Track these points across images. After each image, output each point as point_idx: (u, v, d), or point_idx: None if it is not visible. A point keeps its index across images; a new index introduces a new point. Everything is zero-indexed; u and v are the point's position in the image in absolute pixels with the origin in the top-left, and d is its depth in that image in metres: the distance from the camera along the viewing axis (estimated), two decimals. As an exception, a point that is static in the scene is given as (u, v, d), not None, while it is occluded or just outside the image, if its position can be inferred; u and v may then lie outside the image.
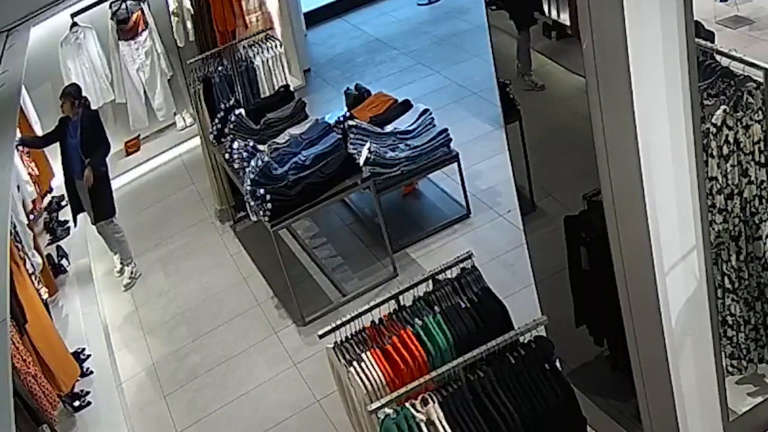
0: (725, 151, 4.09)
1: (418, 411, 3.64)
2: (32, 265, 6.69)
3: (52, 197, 8.86)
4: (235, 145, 6.85)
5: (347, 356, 4.00)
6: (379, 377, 3.90)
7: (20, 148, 7.86)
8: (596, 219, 3.99)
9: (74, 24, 8.85)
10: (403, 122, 7.06)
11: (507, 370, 3.75)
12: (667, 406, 4.12)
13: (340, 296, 6.68)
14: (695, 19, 3.54)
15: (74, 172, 7.31)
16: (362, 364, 3.94)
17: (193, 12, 9.16)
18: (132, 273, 7.72)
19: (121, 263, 7.75)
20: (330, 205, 6.65)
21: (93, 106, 9.19)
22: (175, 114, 9.81)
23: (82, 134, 7.16)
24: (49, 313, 6.55)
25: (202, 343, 6.71)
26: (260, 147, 6.78)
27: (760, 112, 4.06)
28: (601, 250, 4.01)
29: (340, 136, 6.76)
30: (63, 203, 8.88)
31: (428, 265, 6.03)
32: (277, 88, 7.82)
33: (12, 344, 4.91)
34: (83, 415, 6.04)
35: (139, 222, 8.61)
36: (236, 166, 6.75)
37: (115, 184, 9.31)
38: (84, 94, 9.01)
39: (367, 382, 3.90)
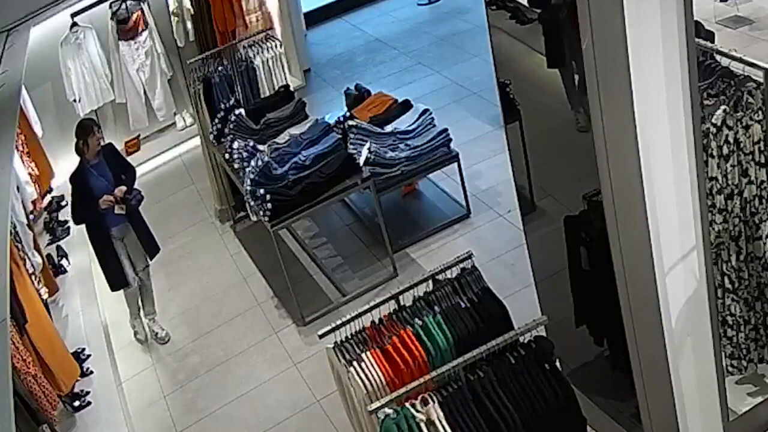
0: (725, 151, 4.09)
1: (418, 411, 3.64)
2: (32, 265, 6.69)
3: (52, 197, 8.85)
4: (235, 145, 6.85)
5: (347, 356, 4.01)
6: (379, 377, 3.90)
7: (20, 147, 7.86)
8: (596, 219, 3.99)
9: (74, 24, 8.83)
10: (403, 122, 7.06)
11: (507, 370, 3.75)
12: (667, 406, 4.12)
13: (340, 296, 6.68)
14: (695, 19, 3.54)
15: (111, 222, 6.33)
16: (362, 364, 3.94)
17: (193, 12, 9.15)
18: (151, 325, 6.92)
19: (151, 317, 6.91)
20: (330, 205, 6.66)
21: (93, 106, 9.25)
22: (175, 114, 9.81)
23: (112, 169, 6.35)
24: (49, 313, 6.55)
25: (202, 343, 6.71)
26: (260, 147, 6.78)
27: (760, 112, 4.06)
28: (601, 250, 4.01)
29: (340, 136, 6.76)
30: (63, 203, 8.87)
31: (428, 265, 6.03)
32: (277, 88, 7.82)
33: (12, 344, 4.90)
34: (83, 415, 6.04)
35: (139, 222, 8.60)
36: (236, 166, 6.75)
37: (115, 184, 9.36)
38: (81, 95, 9.09)
39: (367, 382, 3.90)
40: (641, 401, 4.23)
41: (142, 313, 6.86)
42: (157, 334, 6.84)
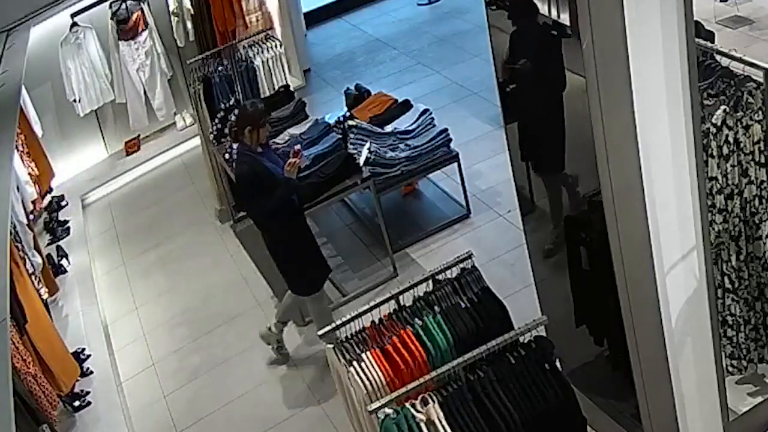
0: (725, 151, 4.09)
1: (418, 411, 3.64)
2: (32, 265, 6.69)
3: (52, 197, 8.86)
4: (235, 145, 6.84)
5: (347, 356, 4.00)
6: (379, 377, 3.90)
7: (20, 147, 7.86)
8: (596, 219, 3.99)
9: (74, 24, 8.84)
10: (403, 122, 7.06)
11: (507, 370, 3.75)
12: (667, 406, 4.12)
13: (340, 296, 6.67)
14: (695, 19, 3.54)
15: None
16: (362, 364, 3.94)
17: (193, 12, 9.15)
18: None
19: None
20: (330, 205, 6.65)
21: (93, 106, 9.25)
22: (175, 114, 9.81)
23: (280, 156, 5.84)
24: (49, 313, 6.55)
25: (202, 343, 6.71)
26: (260, 147, 6.77)
27: (760, 112, 4.06)
28: (601, 250, 4.01)
29: (340, 136, 6.76)
30: (63, 203, 8.88)
31: (428, 265, 6.03)
32: (277, 88, 7.82)
33: (12, 344, 4.90)
34: (83, 415, 6.04)
35: (139, 222, 8.61)
36: (236, 166, 6.74)
37: (115, 184, 9.37)
38: (81, 95, 9.09)
39: (367, 382, 3.89)
40: (641, 401, 4.23)
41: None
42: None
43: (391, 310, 4.17)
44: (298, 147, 5.71)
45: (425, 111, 7.06)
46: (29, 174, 8.07)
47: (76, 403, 6.08)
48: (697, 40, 3.73)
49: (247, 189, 5.59)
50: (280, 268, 5.87)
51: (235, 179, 5.59)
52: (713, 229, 4.20)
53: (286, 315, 6.14)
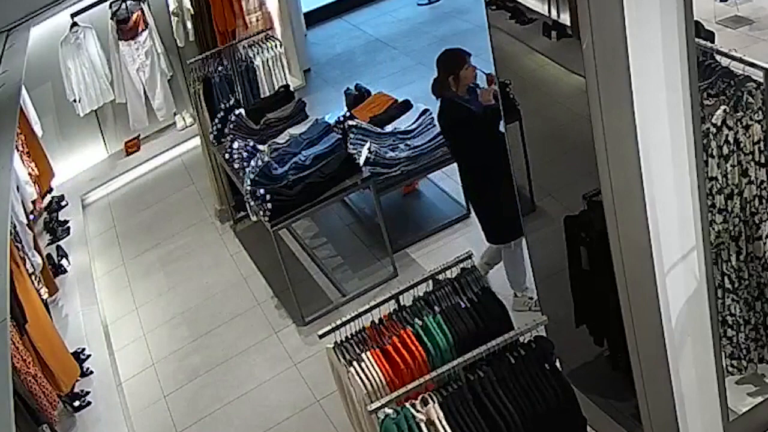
0: (725, 151, 4.09)
1: (418, 411, 3.64)
2: (32, 265, 6.69)
3: (52, 197, 8.86)
4: (235, 145, 6.85)
5: (347, 356, 4.01)
6: (379, 377, 3.90)
7: (20, 147, 7.86)
8: (596, 219, 3.99)
9: (74, 24, 8.84)
10: (403, 122, 7.06)
11: (507, 370, 3.75)
12: (667, 406, 4.12)
13: (340, 296, 6.68)
14: (695, 19, 3.54)
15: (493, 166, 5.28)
16: (362, 364, 3.94)
17: (193, 12, 9.16)
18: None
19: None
20: (330, 205, 6.65)
21: (93, 106, 9.25)
22: (175, 114, 9.81)
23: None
24: (49, 313, 6.55)
25: (202, 343, 6.71)
26: (260, 147, 6.78)
27: (760, 112, 4.06)
28: (601, 250, 4.01)
29: (340, 136, 6.76)
30: (63, 203, 8.88)
31: (428, 265, 6.02)
32: (277, 88, 7.82)
33: (12, 344, 4.90)
34: (83, 415, 6.04)
35: (139, 222, 8.61)
36: (236, 166, 6.75)
37: (115, 184, 9.38)
38: (81, 95, 9.08)
39: (367, 382, 3.90)
40: (641, 401, 4.23)
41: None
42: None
43: (391, 310, 4.17)
44: (487, 72, 5.60)
45: (425, 111, 7.05)
46: (29, 174, 8.06)
47: (76, 403, 6.08)
48: (697, 40, 3.73)
49: (459, 133, 5.55)
50: (485, 212, 5.74)
51: (446, 128, 5.67)
52: (713, 229, 4.20)
53: (492, 259, 5.90)
